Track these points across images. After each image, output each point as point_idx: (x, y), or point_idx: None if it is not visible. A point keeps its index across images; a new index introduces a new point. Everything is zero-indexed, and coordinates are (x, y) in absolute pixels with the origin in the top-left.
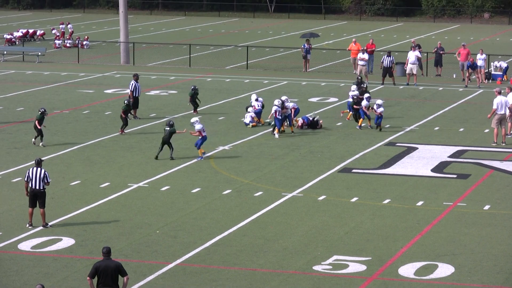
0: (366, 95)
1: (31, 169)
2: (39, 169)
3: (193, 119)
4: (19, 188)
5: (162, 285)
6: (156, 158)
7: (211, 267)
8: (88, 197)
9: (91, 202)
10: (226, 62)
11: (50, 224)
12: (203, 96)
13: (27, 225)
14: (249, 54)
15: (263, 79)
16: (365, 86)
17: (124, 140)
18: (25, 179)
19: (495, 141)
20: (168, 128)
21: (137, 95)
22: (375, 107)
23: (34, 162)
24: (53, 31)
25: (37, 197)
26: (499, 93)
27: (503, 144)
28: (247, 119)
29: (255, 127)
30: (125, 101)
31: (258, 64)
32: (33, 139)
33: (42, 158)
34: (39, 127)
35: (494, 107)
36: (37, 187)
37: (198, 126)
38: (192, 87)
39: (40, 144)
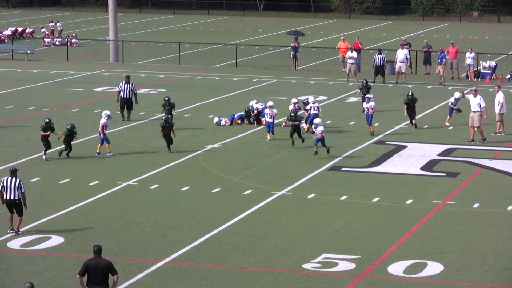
0: (369, 95)
1: (5, 179)
2: (13, 178)
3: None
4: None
5: (151, 283)
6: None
7: (200, 265)
8: (77, 195)
9: (80, 200)
10: (215, 60)
11: (21, 231)
12: (193, 94)
13: (8, 230)
14: (239, 52)
15: (253, 77)
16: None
17: (114, 138)
18: None
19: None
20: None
21: (125, 97)
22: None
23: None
24: (42, 30)
25: (13, 207)
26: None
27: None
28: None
29: (238, 126)
30: (45, 120)
31: (248, 63)
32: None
33: (17, 168)
34: (64, 141)
35: (502, 101)
36: (12, 197)
37: None
38: (166, 98)
39: (63, 154)
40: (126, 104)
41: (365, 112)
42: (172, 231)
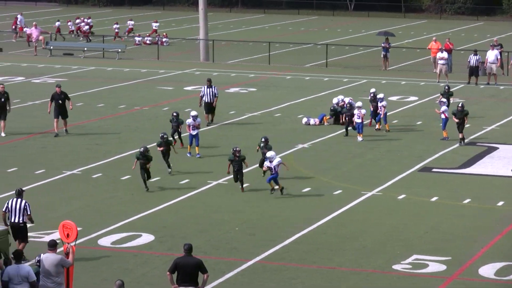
0: (444, 99)
1: (10, 200)
2: (19, 200)
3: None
4: (99, 184)
5: (241, 282)
6: None
7: (289, 264)
8: (167, 193)
9: (171, 198)
10: (305, 60)
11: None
12: (283, 94)
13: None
14: (329, 52)
15: (343, 77)
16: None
17: (204, 137)
18: (3, 209)
19: None
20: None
21: (209, 101)
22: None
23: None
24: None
25: (17, 232)
26: None
27: None
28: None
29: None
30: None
31: (338, 62)
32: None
33: (23, 188)
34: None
35: None
36: (16, 220)
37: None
38: (174, 114)
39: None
40: (209, 108)
41: (441, 116)
42: (261, 230)
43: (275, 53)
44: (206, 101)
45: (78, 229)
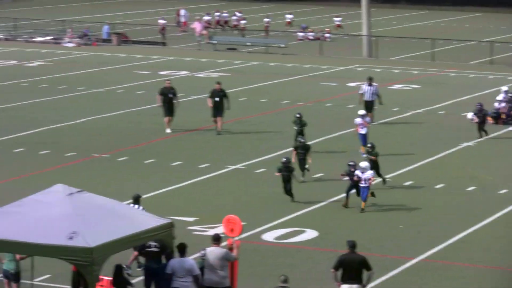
0: None
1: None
2: (135, 206)
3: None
4: (262, 179)
5: (405, 280)
6: None
7: (454, 263)
8: (330, 189)
9: (335, 195)
10: (469, 57)
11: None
12: (447, 91)
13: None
14: (494, 49)
15: (508, 76)
16: None
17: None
18: None
19: None
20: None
21: (369, 99)
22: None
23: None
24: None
25: None
26: None
27: None
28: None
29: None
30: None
31: (503, 60)
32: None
33: (140, 194)
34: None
35: None
36: None
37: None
38: (297, 115)
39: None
40: (369, 106)
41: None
42: (426, 228)
43: (438, 50)
44: (366, 99)
45: (242, 223)
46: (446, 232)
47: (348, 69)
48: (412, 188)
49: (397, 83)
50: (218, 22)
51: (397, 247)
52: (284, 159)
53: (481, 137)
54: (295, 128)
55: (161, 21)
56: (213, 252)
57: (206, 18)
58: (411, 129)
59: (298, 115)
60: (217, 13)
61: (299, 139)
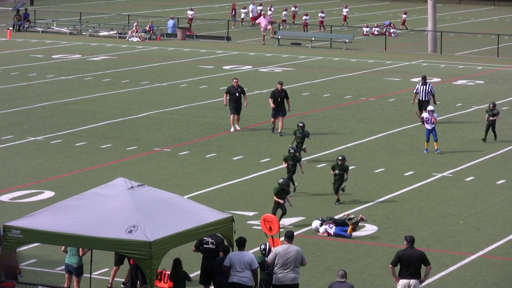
0: None
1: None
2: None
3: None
4: (323, 174)
5: (464, 276)
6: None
7: None
8: (392, 185)
9: (395, 190)
10: None
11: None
12: (510, 87)
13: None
14: None
15: None
16: None
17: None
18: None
19: None
20: None
21: (422, 98)
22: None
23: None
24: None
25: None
26: None
27: None
28: None
29: None
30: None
31: None
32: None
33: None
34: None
35: None
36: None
37: None
38: (301, 124)
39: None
40: (423, 105)
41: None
42: (486, 224)
43: (504, 45)
44: (420, 98)
45: (300, 218)
46: (506, 228)
47: (412, 65)
48: (474, 183)
49: (461, 79)
50: (294, 17)
51: (457, 243)
52: (292, 149)
53: (485, 140)
54: (298, 135)
55: (190, 12)
56: (290, 248)
57: (270, 12)
58: (473, 125)
59: (301, 124)
60: (295, 8)
61: (290, 149)
